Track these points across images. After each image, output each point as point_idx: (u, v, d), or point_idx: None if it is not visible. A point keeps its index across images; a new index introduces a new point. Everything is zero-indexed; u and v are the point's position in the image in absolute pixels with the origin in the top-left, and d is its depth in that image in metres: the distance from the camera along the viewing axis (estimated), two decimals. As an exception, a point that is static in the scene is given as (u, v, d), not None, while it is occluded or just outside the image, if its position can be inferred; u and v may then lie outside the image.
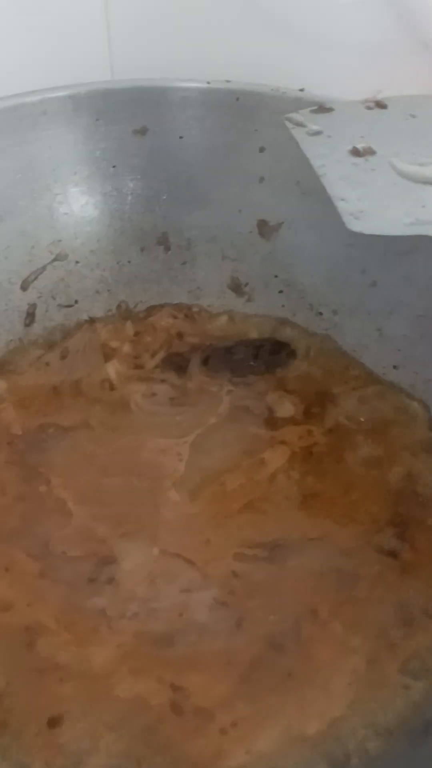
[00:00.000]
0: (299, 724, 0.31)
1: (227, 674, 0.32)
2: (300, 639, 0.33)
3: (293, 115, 0.41)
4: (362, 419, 0.42)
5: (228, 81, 0.45)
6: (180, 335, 0.46)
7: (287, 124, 0.41)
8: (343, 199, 0.36)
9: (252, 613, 0.34)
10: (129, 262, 0.48)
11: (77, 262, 0.47)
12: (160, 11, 0.49)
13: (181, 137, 0.46)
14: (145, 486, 0.38)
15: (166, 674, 0.32)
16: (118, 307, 0.48)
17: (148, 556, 0.36)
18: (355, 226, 0.35)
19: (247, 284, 0.48)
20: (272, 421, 0.42)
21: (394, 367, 0.44)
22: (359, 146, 0.39)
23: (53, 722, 0.30)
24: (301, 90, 0.44)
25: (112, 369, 0.44)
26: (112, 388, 0.43)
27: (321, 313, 0.46)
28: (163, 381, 0.44)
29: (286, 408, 0.42)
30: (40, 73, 0.44)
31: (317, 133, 0.41)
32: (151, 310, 0.48)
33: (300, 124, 0.41)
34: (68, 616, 0.33)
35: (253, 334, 0.47)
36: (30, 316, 0.46)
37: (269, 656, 0.32)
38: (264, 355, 0.45)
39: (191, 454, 0.40)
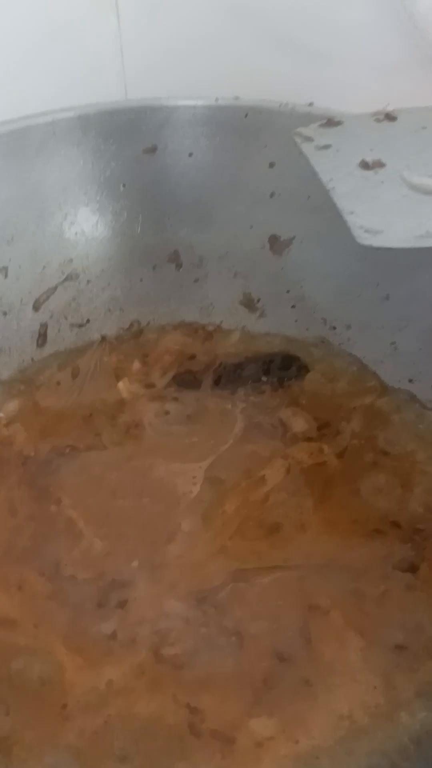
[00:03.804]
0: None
1: (242, 694, 0.31)
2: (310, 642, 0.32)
3: (302, 130, 0.41)
4: (376, 434, 0.41)
5: (236, 98, 0.45)
6: (192, 356, 0.46)
7: (296, 138, 0.41)
8: (352, 213, 0.36)
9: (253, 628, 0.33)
10: (141, 280, 0.48)
11: (89, 281, 0.47)
12: (170, 31, 0.50)
13: (190, 154, 0.46)
14: (156, 509, 0.38)
15: (181, 695, 0.31)
16: (130, 326, 0.48)
17: (157, 580, 0.35)
18: (365, 239, 0.35)
19: (259, 300, 0.48)
20: (285, 438, 0.41)
21: (410, 380, 0.43)
22: (368, 159, 0.39)
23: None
24: (310, 105, 0.44)
25: (124, 388, 0.44)
26: (123, 407, 0.43)
27: (334, 328, 0.46)
28: (175, 399, 0.43)
29: (299, 424, 0.41)
30: (55, 96, 0.44)
31: (326, 147, 0.40)
32: (163, 328, 0.48)
33: (308, 139, 0.41)
34: (75, 641, 0.33)
35: (265, 350, 0.46)
36: (42, 336, 0.46)
37: (279, 669, 0.32)
38: (275, 369, 0.45)
39: (205, 477, 0.39)
